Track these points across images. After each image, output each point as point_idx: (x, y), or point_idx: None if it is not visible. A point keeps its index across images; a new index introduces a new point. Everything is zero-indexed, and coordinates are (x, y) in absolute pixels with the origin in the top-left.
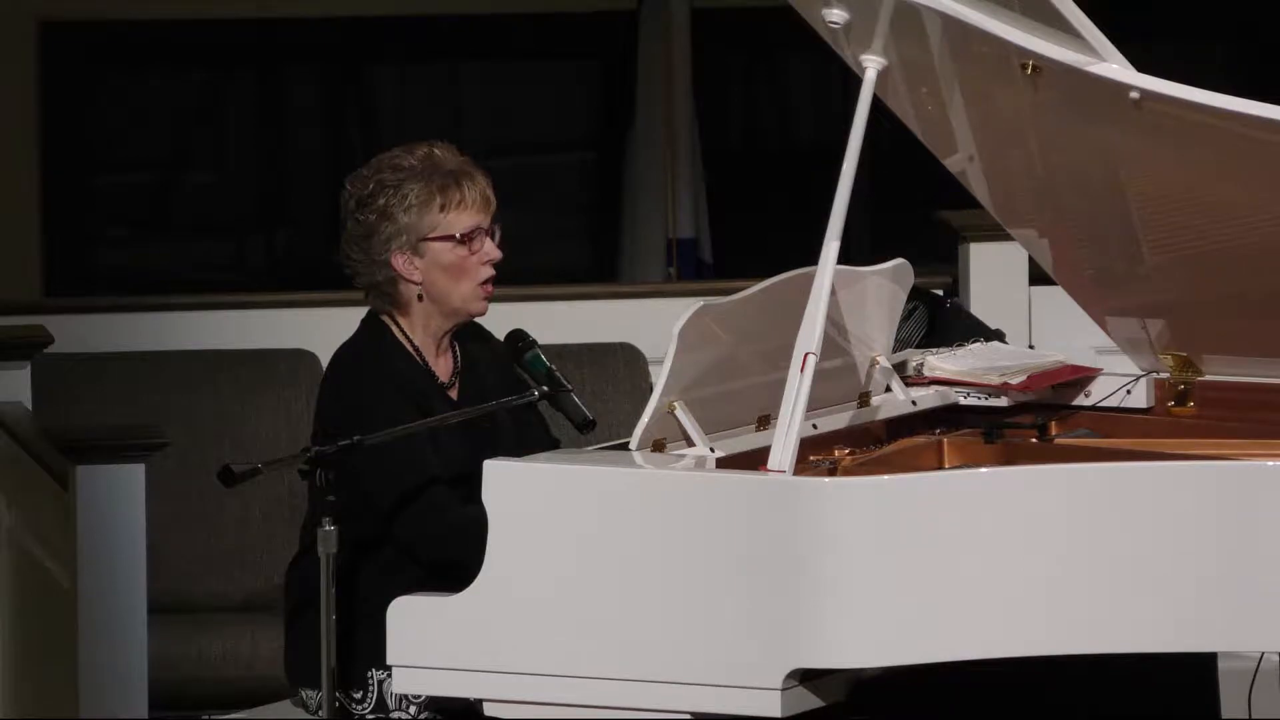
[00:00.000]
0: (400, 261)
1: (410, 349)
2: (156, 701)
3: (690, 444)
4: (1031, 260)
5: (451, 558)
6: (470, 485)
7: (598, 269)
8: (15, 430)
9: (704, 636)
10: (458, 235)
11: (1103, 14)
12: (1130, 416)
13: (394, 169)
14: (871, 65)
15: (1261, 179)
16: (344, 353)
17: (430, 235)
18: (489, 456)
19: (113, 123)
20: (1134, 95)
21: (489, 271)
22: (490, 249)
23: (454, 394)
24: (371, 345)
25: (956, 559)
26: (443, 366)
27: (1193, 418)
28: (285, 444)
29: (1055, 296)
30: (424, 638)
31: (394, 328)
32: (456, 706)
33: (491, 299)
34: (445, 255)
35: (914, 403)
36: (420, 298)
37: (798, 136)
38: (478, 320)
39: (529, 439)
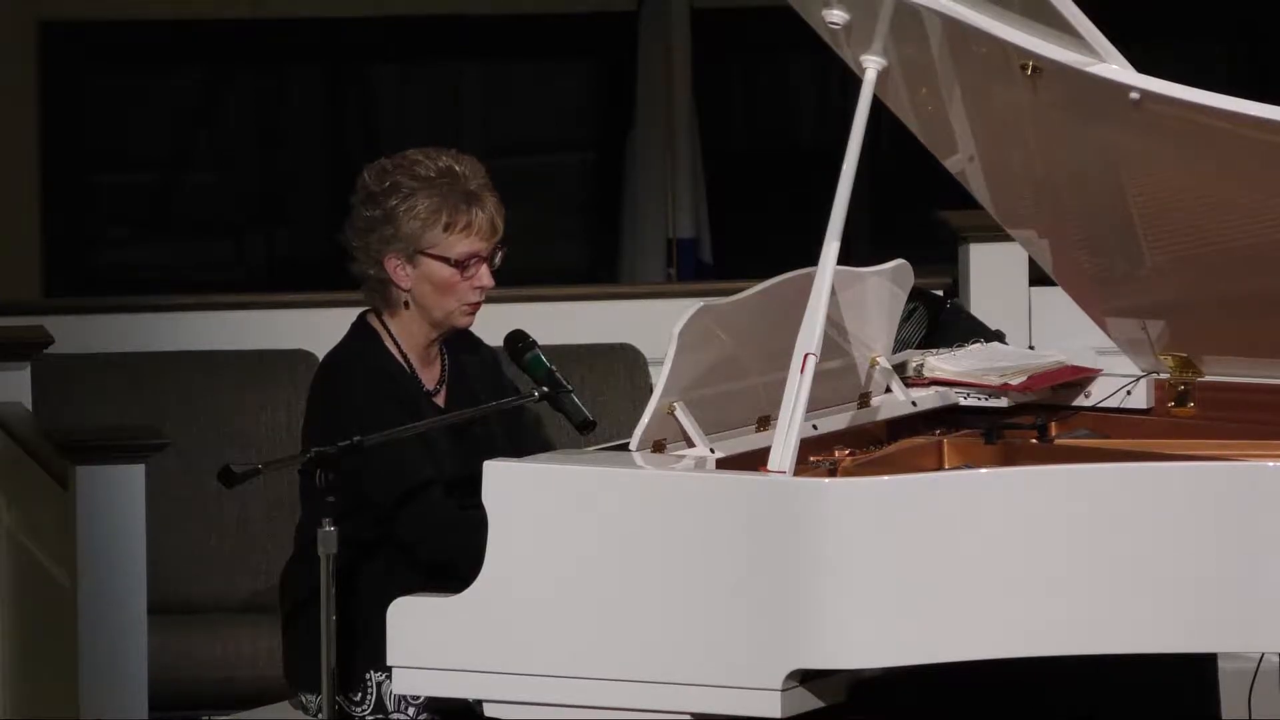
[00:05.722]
0: (392, 265)
1: (398, 355)
2: (156, 701)
3: (690, 444)
4: (1031, 260)
5: (450, 559)
6: (464, 488)
7: (598, 269)
8: (15, 430)
9: (704, 637)
10: (453, 259)
11: (1103, 14)
12: (1130, 417)
13: (412, 175)
14: (871, 65)
15: (1262, 179)
16: (332, 358)
17: (427, 250)
18: (481, 461)
19: (113, 123)
20: (1134, 95)
21: (476, 296)
22: (483, 276)
23: (440, 400)
24: (359, 350)
25: (957, 559)
26: (430, 374)
27: (1193, 418)
28: (285, 444)
29: (1055, 296)
30: (424, 638)
31: (383, 332)
32: (456, 707)
33: (485, 301)
34: (437, 273)
35: (914, 403)
36: (407, 305)
37: (798, 136)
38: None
39: (522, 441)
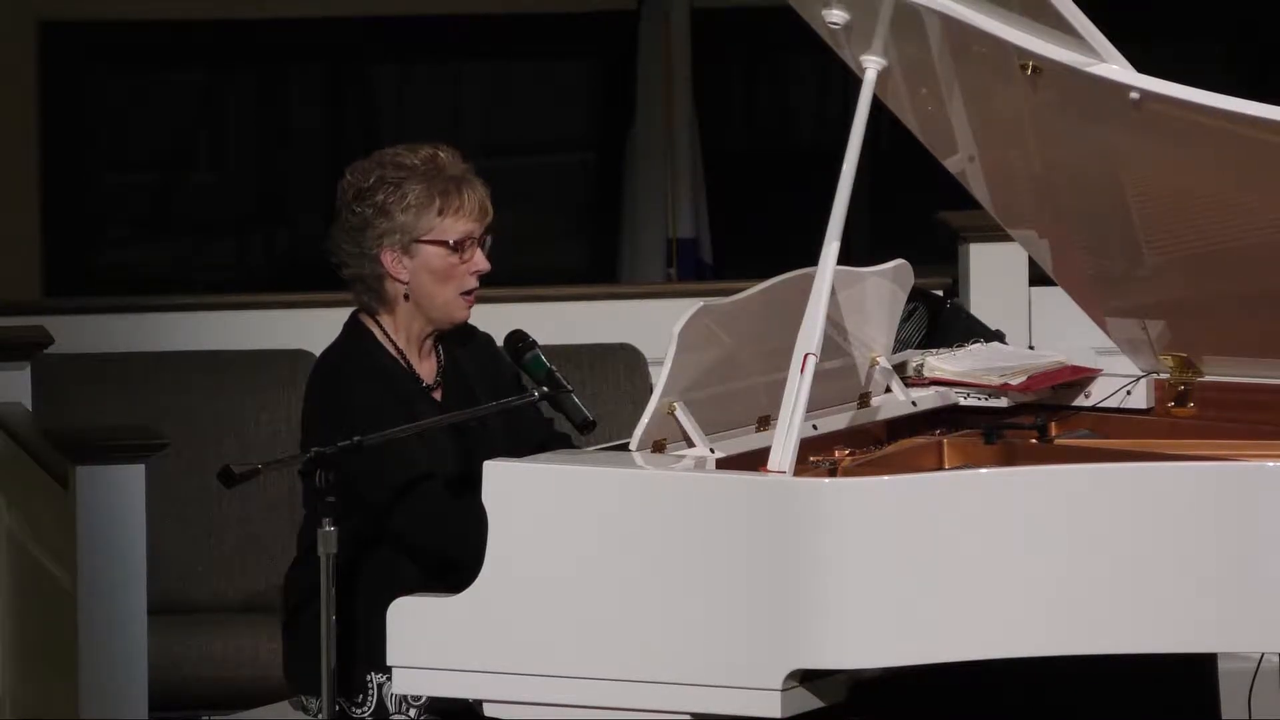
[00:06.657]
0: (389, 259)
1: (393, 351)
2: (156, 701)
3: (690, 444)
4: (1031, 260)
5: (450, 554)
6: (461, 487)
7: (598, 269)
8: (15, 430)
9: (704, 637)
10: (450, 242)
11: (1103, 14)
12: (1130, 417)
13: (396, 166)
14: (871, 65)
15: (1261, 179)
16: (327, 357)
17: (424, 237)
18: (479, 457)
19: (113, 122)
20: (1134, 95)
21: (474, 282)
22: (479, 260)
23: (438, 395)
24: (354, 348)
25: (956, 559)
26: (426, 368)
27: (1193, 418)
28: (285, 444)
29: (1055, 296)
30: (424, 638)
31: (376, 331)
32: (456, 707)
33: (485, 301)
34: (435, 259)
35: (914, 403)
36: (406, 297)
37: (798, 137)
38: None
39: (520, 439)
